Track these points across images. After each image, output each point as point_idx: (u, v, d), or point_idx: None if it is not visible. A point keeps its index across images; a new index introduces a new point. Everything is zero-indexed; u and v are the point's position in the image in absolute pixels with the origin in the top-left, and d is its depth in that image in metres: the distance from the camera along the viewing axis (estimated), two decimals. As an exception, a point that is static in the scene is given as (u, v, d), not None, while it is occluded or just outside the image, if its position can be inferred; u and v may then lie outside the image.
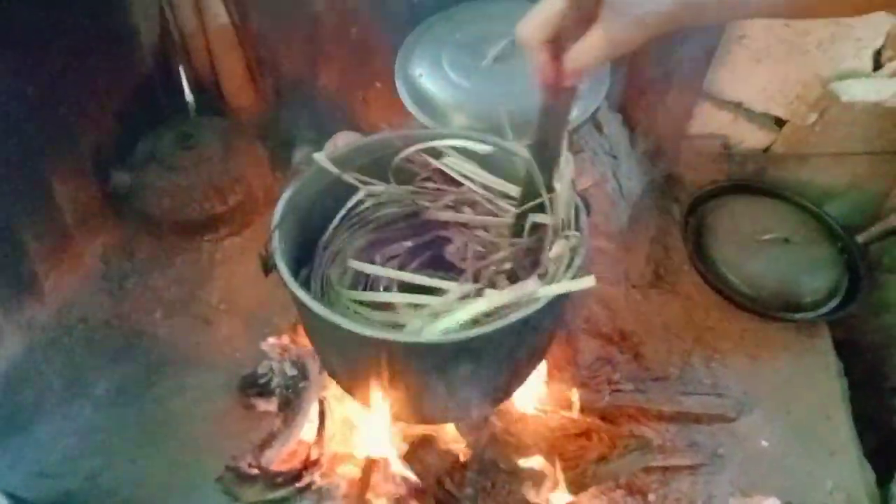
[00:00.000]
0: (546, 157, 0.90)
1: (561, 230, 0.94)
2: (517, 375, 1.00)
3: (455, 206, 1.11)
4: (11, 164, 1.34)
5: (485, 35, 1.40)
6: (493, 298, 0.84)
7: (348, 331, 0.79)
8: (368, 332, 0.79)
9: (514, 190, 1.06)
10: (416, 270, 1.09)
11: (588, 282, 0.84)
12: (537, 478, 1.09)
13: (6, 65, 1.29)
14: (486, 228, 1.10)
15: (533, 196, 0.94)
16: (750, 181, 1.67)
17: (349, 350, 0.90)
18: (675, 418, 1.33)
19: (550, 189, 0.93)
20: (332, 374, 1.04)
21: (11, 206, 1.37)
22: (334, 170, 1.04)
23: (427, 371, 0.86)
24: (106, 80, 1.57)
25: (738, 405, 1.35)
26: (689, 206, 1.60)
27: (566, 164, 0.91)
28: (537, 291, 0.83)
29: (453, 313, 0.85)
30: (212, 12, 1.64)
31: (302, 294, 0.83)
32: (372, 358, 0.85)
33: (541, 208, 0.95)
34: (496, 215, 1.09)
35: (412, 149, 1.07)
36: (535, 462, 1.10)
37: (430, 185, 1.11)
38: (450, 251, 1.09)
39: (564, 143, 0.89)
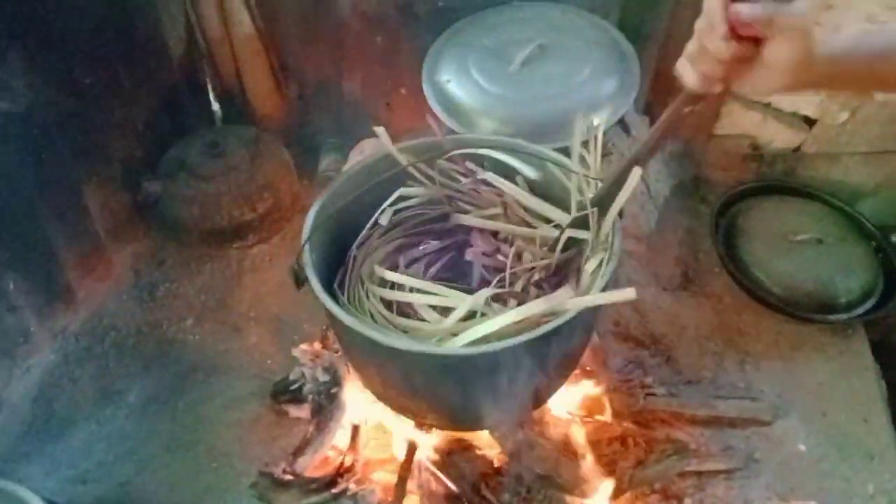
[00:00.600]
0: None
1: (598, 245, 0.93)
2: (551, 382, 1.00)
3: (488, 214, 1.11)
4: (45, 174, 1.37)
5: (512, 39, 1.40)
6: (530, 307, 0.84)
7: (382, 344, 0.79)
8: (402, 344, 0.79)
9: (544, 206, 1.06)
10: (436, 279, 1.07)
11: (628, 294, 0.83)
12: (573, 483, 1.08)
13: (42, 79, 1.32)
14: (513, 240, 1.09)
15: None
16: (780, 181, 1.65)
17: (382, 361, 0.90)
18: (709, 422, 1.31)
19: (596, 205, 0.93)
20: (366, 384, 1.04)
21: (43, 215, 1.39)
22: (401, 158, 1.03)
23: (461, 381, 0.86)
24: (134, 90, 1.59)
25: (773, 409, 1.33)
26: (720, 207, 1.58)
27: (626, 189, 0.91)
28: (572, 302, 0.83)
29: (486, 322, 0.84)
30: (237, 20, 1.65)
31: (335, 308, 0.84)
32: (405, 369, 0.85)
33: (581, 224, 0.95)
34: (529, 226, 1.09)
35: (457, 151, 1.07)
36: (571, 467, 1.09)
37: (466, 190, 1.11)
38: (473, 252, 1.08)
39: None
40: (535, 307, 0.84)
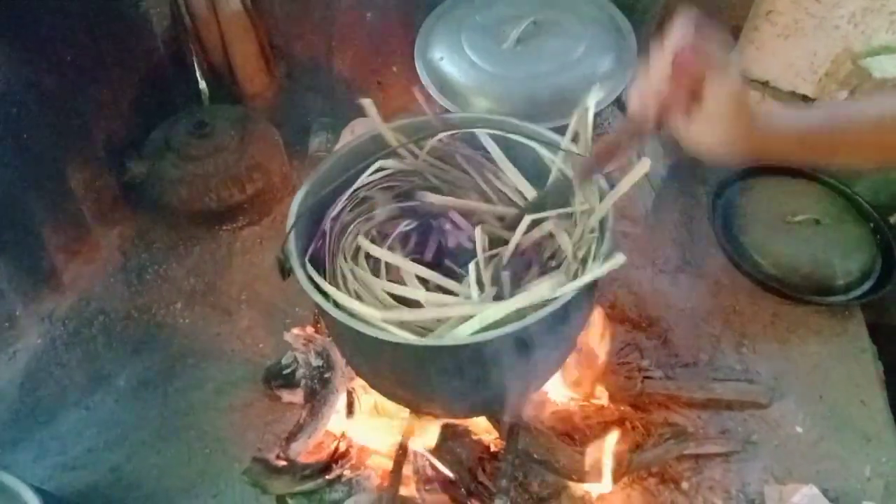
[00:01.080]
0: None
1: (584, 227, 0.91)
2: (548, 367, 0.98)
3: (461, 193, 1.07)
4: (28, 155, 1.33)
5: (506, 17, 1.37)
6: (530, 294, 0.81)
7: (373, 337, 0.77)
8: (395, 337, 0.77)
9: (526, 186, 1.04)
10: (418, 258, 1.03)
11: (618, 260, 0.82)
12: (571, 468, 1.07)
13: (21, 57, 1.27)
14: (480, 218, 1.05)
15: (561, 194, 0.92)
16: (777, 162, 1.63)
17: (374, 353, 0.88)
18: (706, 405, 1.30)
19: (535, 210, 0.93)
20: (359, 374, 1.02)
21: (28, 197, 1.36)
22: (391, 138, 1.01)
23: (456, 370, 0.84)
24: (118, 69, 1.55)
25: (770, 391, 1.32)
26: (717, 188, 1.56)
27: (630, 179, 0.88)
28: (568, 284, 0.81)
29: (488, 310, 0.82)
30: (224, -3, 1.61)
31: (323, 301, 0.81)
32: (399, 360, 0.83)
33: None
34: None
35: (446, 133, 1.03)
36: (568, 452, 1.08)
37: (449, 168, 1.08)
38: (448, 232, 1.04)
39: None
40: (537, 293, 0.81)
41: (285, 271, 0.87)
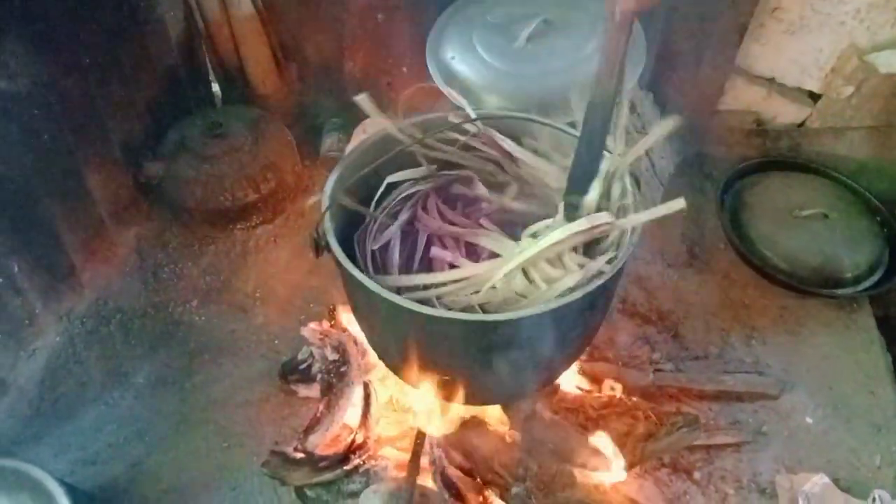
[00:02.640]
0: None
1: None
2: (568, 356, 1.00)
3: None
4: (46, 157, 1.35)
5: (516, 16, 1.38)
6: (592, 218, 0.83)
7: (409, 310, 0.78)
8: (431, 311, 0.78)
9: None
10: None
11: (678, 203, 0.84)
12: (585, 458, 1.09)
13: (42, 59, 1.30)
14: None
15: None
16: (785, 157, 1.65)
17: (405, 330, 0.90)
18: (717, 397, 1.32)
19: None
20: (382, 355, 1.04)
21: (47, 197, 1.38)
22: (401, 136, 1.03)
23: (486, 350, 0.85)
24: (133, 71, 1.57)
25: (780, 383, 1.34)
26: (725, 183, 1.58)
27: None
28: (620, 223, 0.82)
29: (553, 234, 0.84)
30: (235, 0, 1.63)
31: (359, 274, 0.83)
32: (430, 337, 0.84)
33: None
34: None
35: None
36: (582, 442, 1.10)
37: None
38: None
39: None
40: (593, 219, 0.83)
41: (319, 249, 0.89)
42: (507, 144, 1.07)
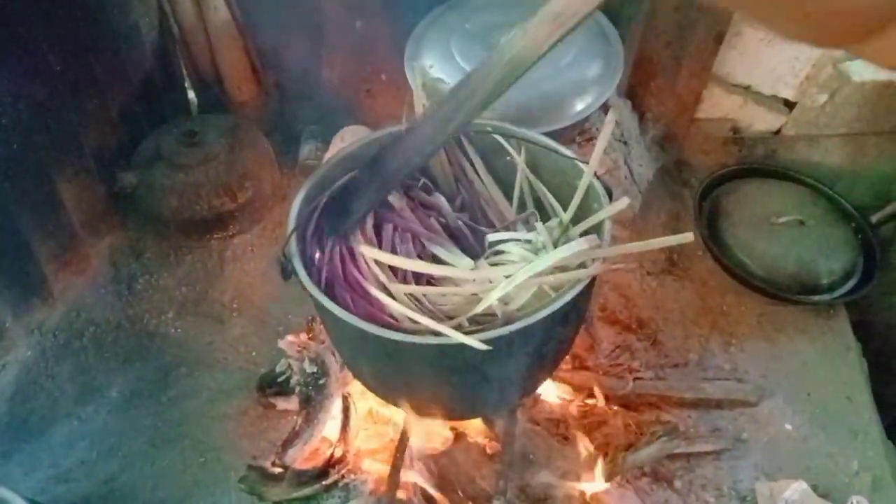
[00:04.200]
0: None
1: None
2: (546, 367, 0.99)
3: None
4: (17, 166, 1.32)
5: (494, 23, 1.38)
6: (570, 247, 0.82)
7: (374, 335, 0.77)
8: (399, 337, 0.77)
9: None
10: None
11: (622, 203, 0.86)
12: (566, 467, 1.08)
13: (11, 67, 1.27)
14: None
15: None
16: (761, 164, 1.67)
17: (375, 353, 0.89)
18: (696, 404, 1.32)
19: None
20: (357, 375, 1.03)
21: (18, 208, 1.35)
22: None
23: (460, 369, 0.85)
24: (107, 79, 1.54)
25: (759, 389, 1.34)
26: (702, 190, 1.59)
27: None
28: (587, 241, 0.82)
29: (526, 267, 0.83)
30: (211, 6, 1.61)
31: (326, 301, 0.82)
32: (400, 360, 0.83)
33: None
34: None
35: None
36: (563, 452, 1.09)
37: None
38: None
39: None
40: (575, 246, 0.82)
41: (287, 272, 0.87)
42: (465, 163, 1.07)
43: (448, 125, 0.86)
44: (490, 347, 0.75)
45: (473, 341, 0.75)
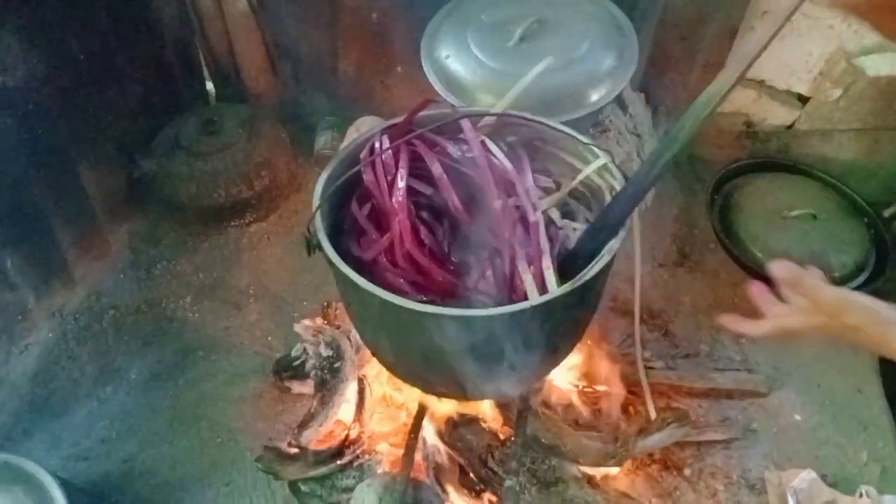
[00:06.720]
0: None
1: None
2: (560, 351, 1.00)
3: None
4: (40, 152, 1.35)
5: (510, 15, 1.39)
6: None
7: (399, 306, 0.79)
8: (422, 307, 0.79)
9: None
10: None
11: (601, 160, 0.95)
12: (577, 452, 1.10)
13: (34, 52, 1.30)
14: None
15: None
16: (774, 158, 1.67)
17: (400, 327, 0.90)
18: (706, 394, 1.33)
19: None
20: (375, 352, 1.04)
21: (41, 193, 1.38)
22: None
23: (480, 346, 0.86)
24: (127, 67, 1.57)
25: (769, 380, 1.35)
26: (715, 184, 1.59)
27: None
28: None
29: None
30: (230, -2, 1.64)
31: (351, 273, 0.83)
32: (422, 334, 0.84)
33: None
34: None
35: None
36: (574, 437, 1.11)
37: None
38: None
39: None
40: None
41: (311, 248, 0.89)
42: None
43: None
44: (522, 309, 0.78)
45: (498, 310, 0.77)
